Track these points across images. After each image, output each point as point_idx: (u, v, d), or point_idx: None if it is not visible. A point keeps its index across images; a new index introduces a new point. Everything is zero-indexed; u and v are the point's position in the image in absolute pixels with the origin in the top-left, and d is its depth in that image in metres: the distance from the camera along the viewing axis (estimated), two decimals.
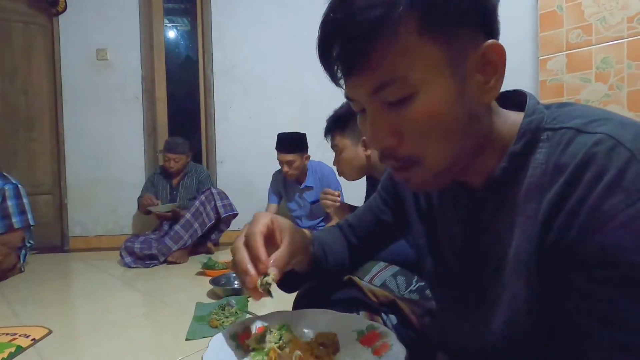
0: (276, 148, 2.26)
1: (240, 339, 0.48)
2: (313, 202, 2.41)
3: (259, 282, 0.44)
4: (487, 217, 0.44)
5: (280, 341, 0.46)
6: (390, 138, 0.39)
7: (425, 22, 0.35)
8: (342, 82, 0.41)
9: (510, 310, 0.43)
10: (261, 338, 0.47)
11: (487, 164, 0.43)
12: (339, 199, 1.45)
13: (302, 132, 2.32)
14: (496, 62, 0.38)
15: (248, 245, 0.47)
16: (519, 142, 0.41)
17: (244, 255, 0.46)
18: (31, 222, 2.11)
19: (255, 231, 0.47)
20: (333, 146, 1.37)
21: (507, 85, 0.43)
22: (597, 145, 0.34)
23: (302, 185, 2.40)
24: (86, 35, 2.78)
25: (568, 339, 0.37)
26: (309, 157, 2.33)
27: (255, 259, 0.45)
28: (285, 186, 2.49)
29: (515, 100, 0.45)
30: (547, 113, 0.41)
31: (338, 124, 1.33)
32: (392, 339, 0.47)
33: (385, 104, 0.39)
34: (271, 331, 0.48)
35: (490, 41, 0.38)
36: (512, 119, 0.43)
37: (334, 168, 2.33)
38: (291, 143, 2.23)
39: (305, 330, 0.49)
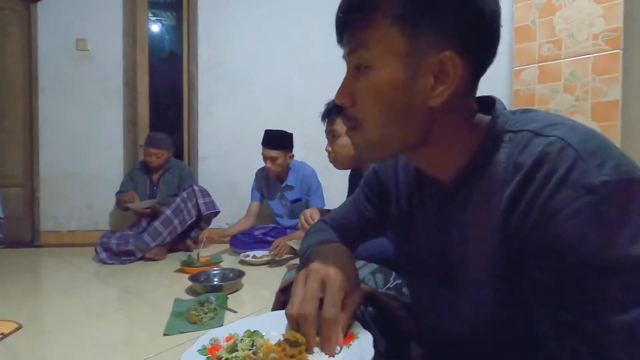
0: (262, 143, 2.29)
1: (209, 352, 0.48)
2: (294, 201, 2.43)
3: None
4: (456, 211, 0.47)
5: (254, 347, 0.46)
6: (347, 97, 0.47)
7: (400, 15, 0.40)
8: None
9: (476, 299, 0.46)
10: (233, 347, 0.47)
11: (457, 161, 0.46)
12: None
13: (288, 131, 2.34)
14: (450, 73, 0.41)
15: (325, 325, 0.46)
16: (485, 142, 0.44)
17: (312, 335, 0.46)
18: (0, 215, 2.02)
19: (336, 315, 0.46)
20: (330, 131, 1.37)
21: (485, 92, 0.47)
22: (549, 146, 0.38)
23: (284, 184, 2.42)
24: (66, 24, 2.69)
25: (532, 327, 0.40)
26: (293, 156, 2.36)
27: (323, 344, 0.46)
28: (267, 184, 2.50)
29: (488, 104, 0.48)
30: (511, 117, 0.45)
31: (339, 109, 1.34)
32: (357, 327, 0.48)
33: (355, 69, 0.45)
34: (242, 339, 0.48)
35: (448, 52, 0.40)
36: (483, 121, 0.46)
37: (314, 169, 2.38)
38: (277, 140, 2.27)
39: (274, 333, 0.49)
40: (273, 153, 2.25)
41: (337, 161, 1.40)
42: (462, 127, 0.45)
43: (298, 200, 2.43)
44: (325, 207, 2.39)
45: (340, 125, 1.33)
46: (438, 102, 0.42)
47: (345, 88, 0.47)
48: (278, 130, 2.29)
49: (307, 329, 0.46)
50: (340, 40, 0.47)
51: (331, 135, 1.38)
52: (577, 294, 0.35)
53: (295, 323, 0.47)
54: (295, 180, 2.41)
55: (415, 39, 0.41)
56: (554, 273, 0.36)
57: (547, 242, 0.36)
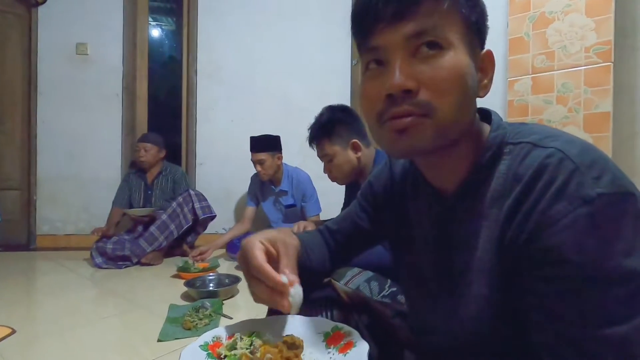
0: (250, 149, 2.32)
1: (211, 349, 0.50)
2: (288, 206, 2.44)
3: (291, 299, 0.49)
4: (457, 221, 0.48)
5: (252, 346, 0.48)
6: (412, 81, 0.41)
7: (463, 5, 0.42)
8: (363, 34, 0.44)
9: (475, 308, 0.46)
10: (233, 345, 0.49)
11: (459, 172, 0.47)
12: None
13: (281, 136, 2.38)
14: (488, 67, 0.46)
15: (262, 276, 0.50)
16: (486, 154, 0.45)
17: (263, 288, 0.50)
18: None
19: (260, 263, 0.50)
20: (323, 155, 1.35)
21: (481, 102, 0.48)
22: (548, 157, 0.39)
23: (277, 189, 2.43)
24: (66, 29, 2.71)
25: (529, 336, 0.41)
26: (281, 157, 2.38)
27: (276, 286, 0.49)
28: (261, 189, 2.51)
29: (484, 115, 0.50)
30: (509, 129, 0.46)
31: (325, 132, 1.31)
32: (356, 336, 0.49)
33: (414, 53, 0.41)
34: (242, 338, 0.50)
35: (488, 49, 0.46)
36: (482, 130, 0.48)
37: (309, 175, 2.39)
38: (262, 142, 2.31)
39: (274, 337, 0.51)
40: (260, 156, 2.29)
41: (337, 179, 1.39)
42: (470, 131, 0.46)
43: (292, 205, 2.44)
44: (321, 212, 2.40)
45: (330, 148, 1.31)
46: (484, 92, 0.46)
47: (409, 71, 0.41)
48: (263, 134, 2.34)
49: (265, 273, 0.49)
50: (402, 14, 0.41)
51: (325, 159, 1.36)
52: (571, 304, 0.36)
53: (261, 290, 0.51)
54: (289, 186, 2.43)
55: (471, 30, 0.43)
56: (549, 283, 0.37)
57: (543, 251, 0.37)
